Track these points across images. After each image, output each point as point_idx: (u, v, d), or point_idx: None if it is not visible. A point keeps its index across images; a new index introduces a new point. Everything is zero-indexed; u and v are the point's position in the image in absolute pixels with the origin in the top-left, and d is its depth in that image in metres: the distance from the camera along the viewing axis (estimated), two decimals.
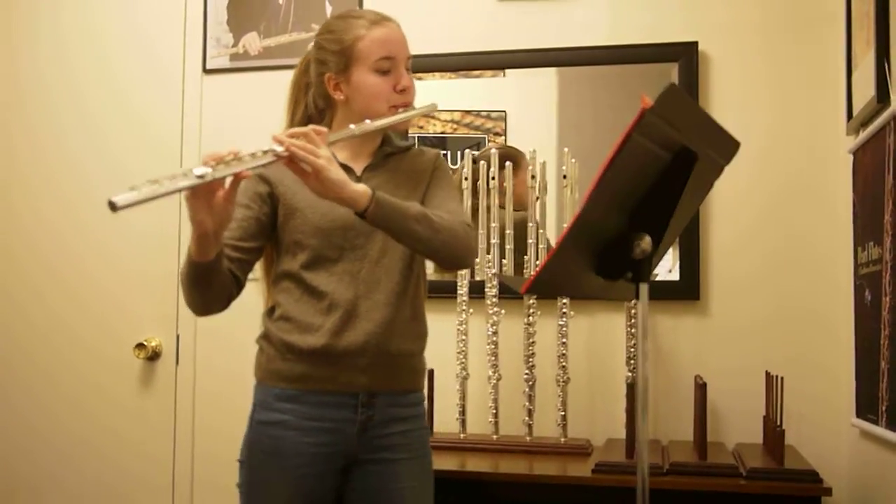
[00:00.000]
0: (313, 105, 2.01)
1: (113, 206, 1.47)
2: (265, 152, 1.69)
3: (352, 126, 1.86)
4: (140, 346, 2.93)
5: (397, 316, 1.90)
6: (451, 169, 2.63)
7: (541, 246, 2.54)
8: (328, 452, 1.87)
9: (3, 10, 3.18)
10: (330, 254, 1.89)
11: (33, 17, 3.15)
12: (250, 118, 2.84)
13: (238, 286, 1.89)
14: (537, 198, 2.55)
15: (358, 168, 1.96)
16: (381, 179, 1.94)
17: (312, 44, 2.00)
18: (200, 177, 1.59)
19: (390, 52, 1.91)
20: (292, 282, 1.92)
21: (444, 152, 2.83)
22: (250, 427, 1.92)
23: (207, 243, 1.71)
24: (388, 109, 1.92)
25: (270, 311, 1.95)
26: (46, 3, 3.15)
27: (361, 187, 1.74)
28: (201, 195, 1.64)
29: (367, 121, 1.88)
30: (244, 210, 1.90)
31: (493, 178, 2.59)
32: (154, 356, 2.97)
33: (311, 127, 1.76)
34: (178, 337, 2.95)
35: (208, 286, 1.81)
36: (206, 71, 3.00)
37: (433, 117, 2.83)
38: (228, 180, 1.65)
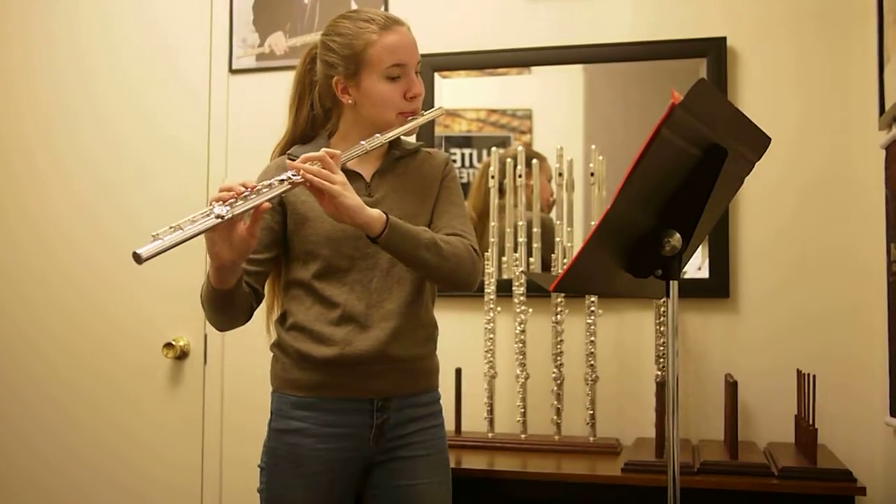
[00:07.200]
0: (319, 104, 2.00)
1: (138, 259, 1.50)
2: (281, 181, 1.71)
3: (362, 143, 1.86)
4: (168, 345, 2.95)
5: (407, 324, 1.90)
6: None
7: (567, 244, 2.53)
8: (346, 457, 1.88)
9: (21, 14, 3.18)
10: (341, 263, 1.89)
11: (50, 19, 3.15)
12: (276, 118, 2.80)
13: (257, 298, 1.92)
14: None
15: (367, 173, 1.95)
16: (391, 186, 1.94)
17: (319, 42, 1.96)
18: (220, 217, 1.61)
19: (401, 58, 1.88)
20: (303, 290, 1.91)
21: (470, 151, 2.82)
22: (269, 435, 1.93)
23: (226, 274, 1.75)
24: (396, 117, 1.90)
25: (282, 319, 1.95)
26: (64, 3, 3.15)
27: (376, 213, 1.75)
28: (220, 229, 1.66)
29: (378, 135, 1.88)
30: None
31: (521, 176, 2.58)
32: (182, 355, 2.98)
33: (323, 151, 1.76)
34: (205, 336, 2.96)
35: (230, 308, 1.84)
36: (232, 71, 3.01)
37: (459, 116, 2.82)
38: (248, 214, 1.67)
